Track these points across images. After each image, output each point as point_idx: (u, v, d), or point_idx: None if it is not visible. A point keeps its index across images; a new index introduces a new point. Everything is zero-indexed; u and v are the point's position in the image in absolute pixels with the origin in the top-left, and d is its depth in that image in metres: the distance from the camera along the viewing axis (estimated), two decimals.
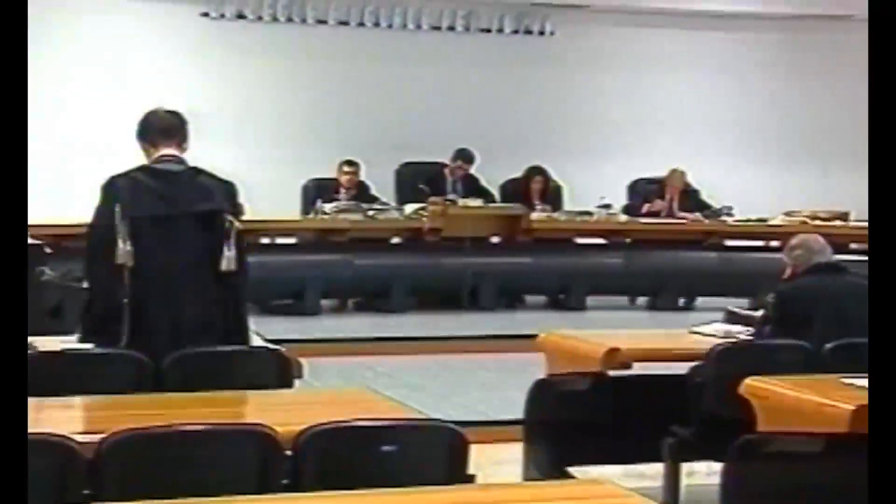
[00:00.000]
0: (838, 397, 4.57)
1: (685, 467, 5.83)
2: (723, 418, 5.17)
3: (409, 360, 9.10)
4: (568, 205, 12.56)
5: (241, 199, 5.26)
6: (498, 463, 5.91)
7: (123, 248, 4.97)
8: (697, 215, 12.31)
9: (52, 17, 11.88)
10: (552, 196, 12.51)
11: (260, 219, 9.14)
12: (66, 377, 4.63)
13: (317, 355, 7.03)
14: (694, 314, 10.44)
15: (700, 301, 11.68)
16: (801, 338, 5.66)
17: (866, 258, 10.76)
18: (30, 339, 4.79)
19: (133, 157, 5.30)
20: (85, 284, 5.32)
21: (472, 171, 12.26)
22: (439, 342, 9.70)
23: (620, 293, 12.03)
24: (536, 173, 12.40)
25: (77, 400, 4.31)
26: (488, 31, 13.81)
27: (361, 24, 13.44)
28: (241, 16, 13.12)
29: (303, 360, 5.12)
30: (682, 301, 11.88)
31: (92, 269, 5.24)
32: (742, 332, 6.08)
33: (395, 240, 11.84)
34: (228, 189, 5.24)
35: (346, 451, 3.65)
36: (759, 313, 6.14)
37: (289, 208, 11.68)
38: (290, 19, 13.25)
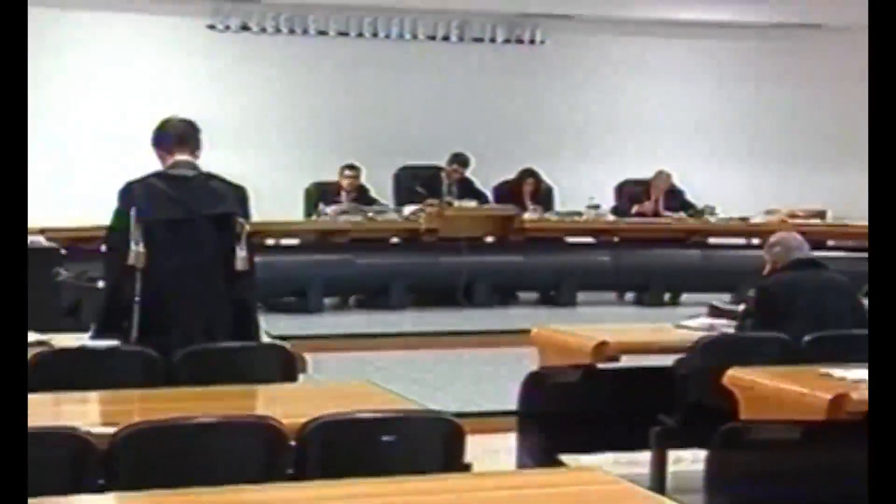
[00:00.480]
0: (816, 387, 4.59)
1: (672, 455, 5.86)
2: (707, 408, 5.21)
3: (407, 355, 9.18)
4: (558, 205, 12.62)
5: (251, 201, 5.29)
6: (493, 452, 5.90)
7: (136, 250, 5.01)
8: (682, 215, 12.35)
9: (62, 32, 12.00)
10: (543, 197, 12.54)
11: (265, 221, 8.89)
12: (81, 373, 4.65)
13: (320, 350, 6.94)
14: (679, 309, 10.53)
15: (685, 297, 11.76)
16: (780, 330, 5.69)
17: (843, 254, 11.14)
18: (47, 336, 5.06)
19: (143, 165, 5.34)
20: (100, 284, 5.47)
21: (467, 174, 12.24)
22: (436, 337, 9.73)
23: (609, 289, 12.13)
24: (528, 176, 12.44)
25: (92, 394, 4.31)
26: (481, 40, 13.85)
27: (361, 35, 13.49)
28: (245, 27, 13.16)
29: (306, 356, 5.12)
30: (667, 296, 11.95)
31: (108, 270, 5.31)
32: (725, 326, 6.08)
33: (394, 240, 11.83)
34: (239, 193, 5.27)
35: (347, 442, 3.68)
36: (741, 307, 6.19)
37: (292, 211, 11.70)
38: (292, 31, 13.30)
